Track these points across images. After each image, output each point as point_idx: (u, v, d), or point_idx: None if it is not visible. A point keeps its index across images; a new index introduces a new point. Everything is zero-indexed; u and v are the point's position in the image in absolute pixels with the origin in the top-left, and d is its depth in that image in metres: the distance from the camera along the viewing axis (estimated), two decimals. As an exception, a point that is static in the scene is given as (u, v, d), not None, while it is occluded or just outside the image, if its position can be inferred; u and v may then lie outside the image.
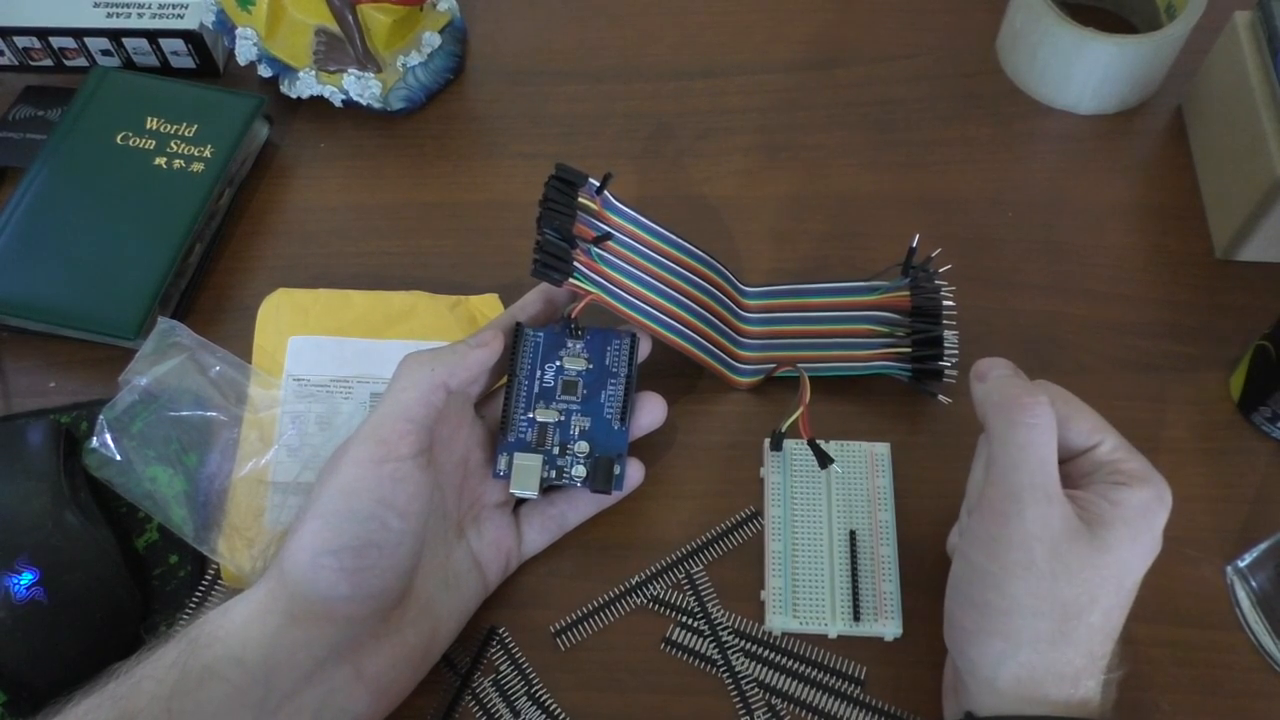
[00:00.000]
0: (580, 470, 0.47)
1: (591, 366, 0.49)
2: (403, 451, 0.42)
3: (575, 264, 0.48)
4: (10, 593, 0.45)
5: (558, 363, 0.49)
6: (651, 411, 0.50)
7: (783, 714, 0.46)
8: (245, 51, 0.63)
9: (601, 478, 0.47)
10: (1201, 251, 0.58)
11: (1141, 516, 0.39)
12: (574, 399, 0.48)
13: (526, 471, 0.47)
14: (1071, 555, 0.38)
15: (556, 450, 0.48)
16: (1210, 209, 0.59)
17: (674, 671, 0.47)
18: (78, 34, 0.65)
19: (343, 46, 0.63)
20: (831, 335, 0.54)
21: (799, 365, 0.51)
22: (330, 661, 0.41)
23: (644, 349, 0.50)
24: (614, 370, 0.49)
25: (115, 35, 0.65)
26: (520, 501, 0.49)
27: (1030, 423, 0.39)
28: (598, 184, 0.50)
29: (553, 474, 0.47)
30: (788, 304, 0.56)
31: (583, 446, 0.48)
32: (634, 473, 0.49)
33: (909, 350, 0.52)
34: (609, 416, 0.48)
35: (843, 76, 0.65)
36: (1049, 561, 0.38)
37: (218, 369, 0.52)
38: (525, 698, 0.46)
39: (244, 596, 0.41)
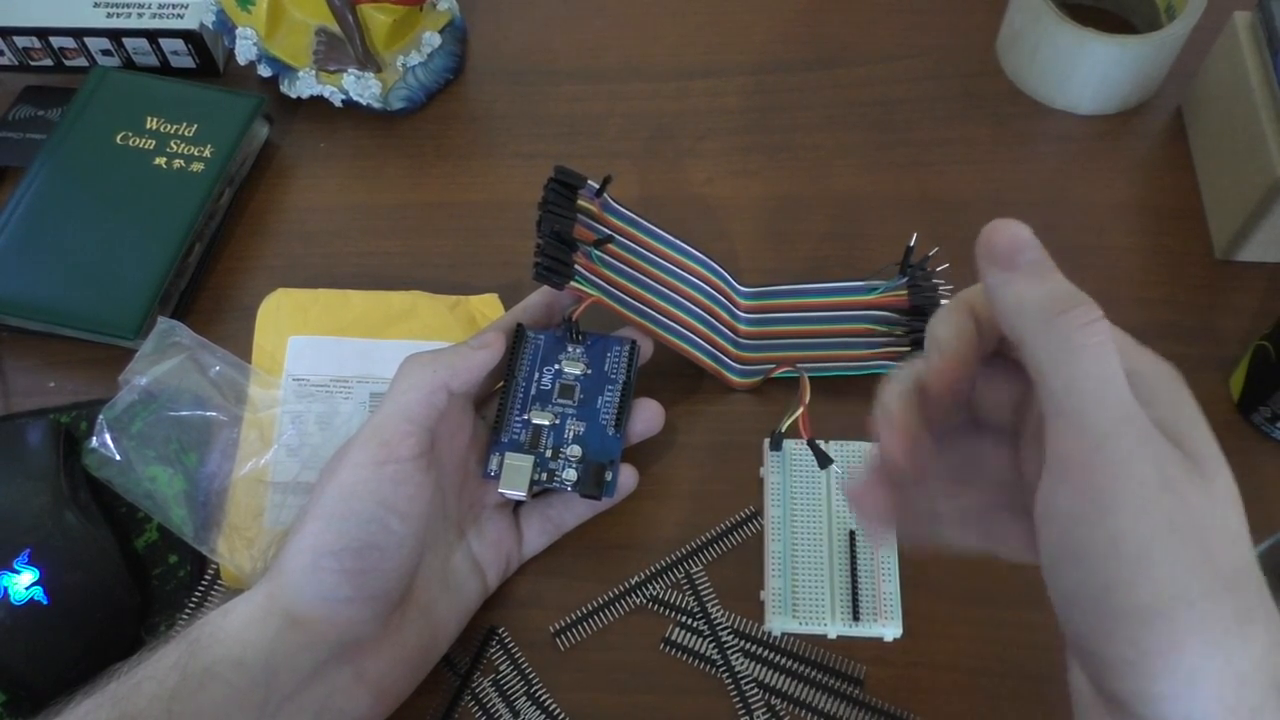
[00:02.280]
0: (571, 474, 0.47)
1: (590, 372, 0.49)
2: (404, 453, 0.42)
3: (576, 267, 0.48)
4: (10, 593, 0.45)
5: (556, 366, 0.49)
6: (648, 419, 0.50)
7: (782, 714, 0.46)
8: (245, 51, 0.63)
9: (592, 483, 0.47)
10: (1201, 251, 0.58)
11: (1185, 408, 0.30)
12: (570, 403, 0.48)
13: (516, 472, 0.47)
14: (1196, 498, 0.28)
15: (549, 453, 0.48)
16: (1210, 209, 0.59)
17: (674, 671, 0.47)
18: (78, 34, 0.65)
19: (343, 46, 0.63)
20: (830, 335, 0.54)
21: (798, 365, 0.51)
22: (330, 663, 0.41)
23: (645, 352, 0.50)
24: (612, 376, 0.49)
25: (115, 35, 0.65)
26: (520, 503, 0.49)
27: (1097, 342, 0.28)
28: (597, 186, 0.50)
29: (543, 476, 0.47)
30: (785, 304, 0.56)
31: (575, 451, 0.48)
32: (626, 479, 0.49)
33: (908, 349, 0.52)
34: (604, 422, 0.48)
35: (843, 76, 0.65)
36: (1183, 513, 0.27)
37: (217, 369, 0.52)
38: (525, 698, 0.46)
39: (244, 597, 0.41)
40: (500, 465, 0.47)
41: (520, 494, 0.47)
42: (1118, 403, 0.28)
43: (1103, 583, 0.27)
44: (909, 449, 0.32)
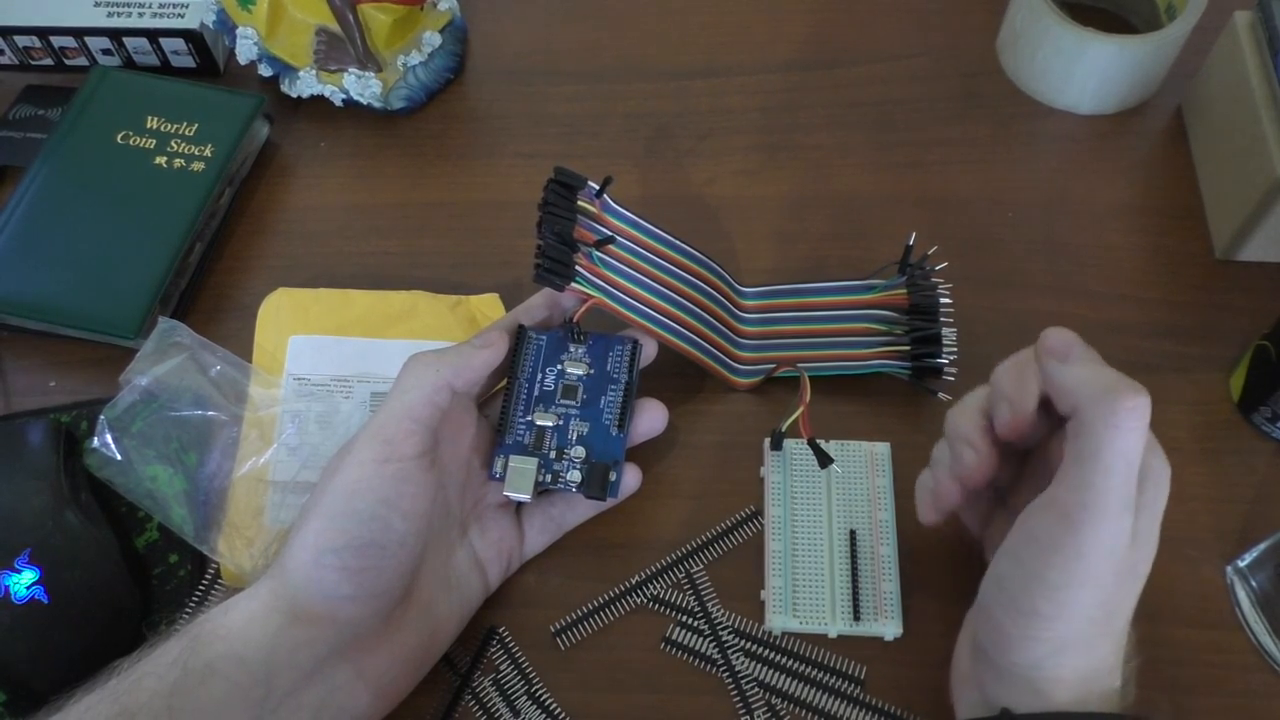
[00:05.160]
0: (575, 475, 0.47)
1: (593, 372, 0.49)
2: (407, 452, 0.42)
3: (577, 268, 0.48)
4: (11, 592, 0.45)
5: (559, 367, 0.49)
6: (651, 419, 0.50)
7: (783, 714, 0.46)
8: (246, 51, 0.63)
9: (596, 484, 0.47)
10: (1201, 251, 0.58)
11: (1157, 502, 0.37)
12: (573, 404, 0.48)
13: (521, 474, 0.47)
14: (1127, 562, 0.36)
15: (553, 455, 0.48)
16: (1210, 209, 0.59)
17: (674, 671, 0.47)
18: (78, 33, 0.65)
19: (343, 46, 0.63)
20: (830, 334, 0.54)
21: (799, 365, 0.51)
22: (331, 661, 0.41)
23: (649, 353, 0.50)
24: (615, 376, 0.49)
25: (116, 34, 0.65)
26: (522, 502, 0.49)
27: (1133, 427, 0.35)
28: (597, 187, 0.50)
29: (548, 478, 0.47)
30: (785, 304, 0.56)
31: (579, 452, 0.48)
32: (630, 479, 0.49)
33: (908, 348, 0.52)
34: (607, 422, 0.48)
35: (843, 76, 0.66)
36: (1114, 575, 0.36)
37: (218, 368, 0.53)
38: (525, 697, 0.46)
39: (246, 595, 0.41)
40: (505, 468, 0.47)
41: (525, 496, 0.47)
42: (1123, 480, 0.35)
43: (1028, 588, 0.37)
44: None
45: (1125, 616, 0.38)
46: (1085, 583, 0.36)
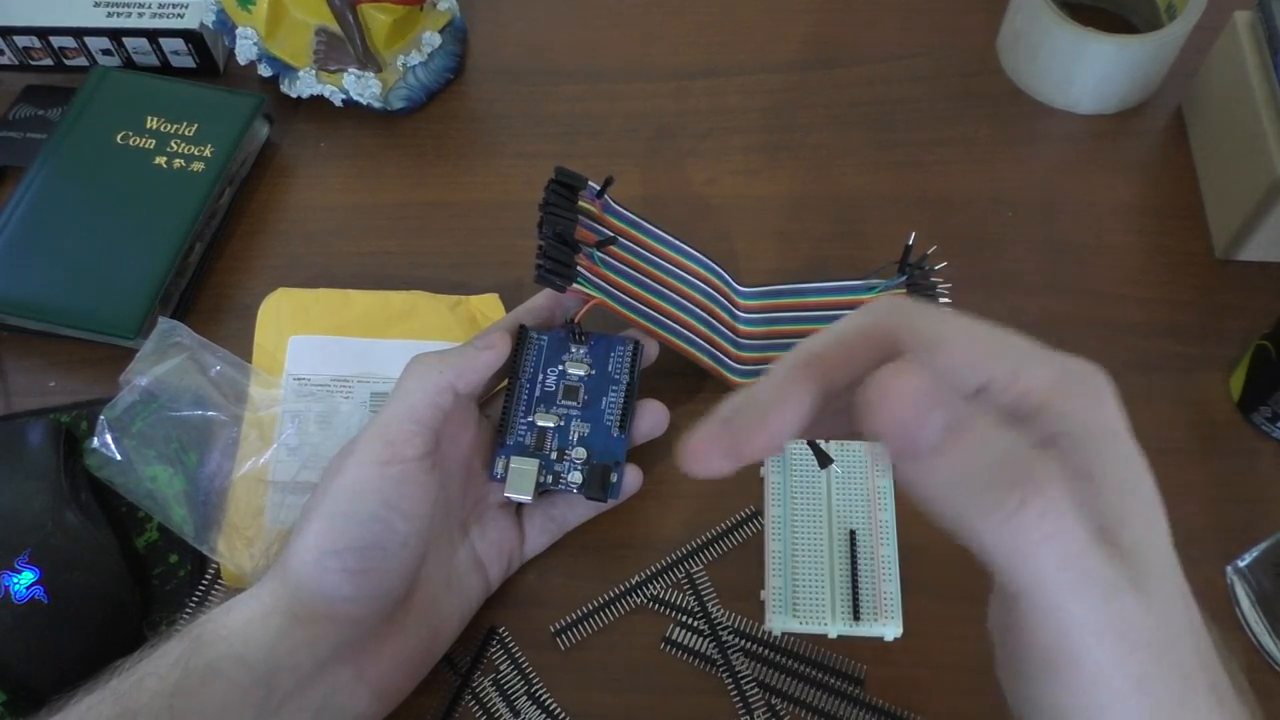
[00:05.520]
0: (576, 476, 0.47)
1: (594, 372, 0.49)
2: (409, 454, 0.42)
3: (578, 269, 0.48)
4: (10, 592, 0.45)
5: (560, 367, 0.49)
6: (652, 420, 0.50)
7: (783, 714, 0.46)
8: (245, 51, 0.63)
9: (597, 485, 0.47)
10: (1201, 251, 0.58)
11: (1156, 504, 0.28)
12: (574, 404, 0.48)
13: (521, 475, 0.47)
14: (1159, 634, 0.27)
15: (554, 455, 0.48)
16: (1210, 209, 0.59)
17: (674, 671, 0.47)
18: (78, 33, 0.65)
19: (343, 46, 0.63)
20: (831, 335, 0.54)
21: (799, 365, 0.51)
22: (332, 661, 0.41)
23: (650, 354, 0.50)
24: (616, 377, 0.49)
25: (115, 35, 0.65)
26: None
27: (1055, 531, 0.24)
28: (598, 187, 0.50)
29: (549, 479, 0.47)
30: (785, 304, 0.56)
31: (580, 453, 0.48)
32: (631, 480, 0.49)
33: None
34: (609, 423, 0.48)
35: (843, 76, 0.66)
36: (1146, 666, 0.26)
37: (218, 368, 0.53)
38: (525, 697, 0.46)
39: (247, 595, 0.41)
40: (506, 468, 0.47)
41: (526, 497, 0.47)
42: (1081, 594, 0.25)
43: None
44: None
45: (1204, 653, 0.29)
46: (1155, 688, 0.26)
